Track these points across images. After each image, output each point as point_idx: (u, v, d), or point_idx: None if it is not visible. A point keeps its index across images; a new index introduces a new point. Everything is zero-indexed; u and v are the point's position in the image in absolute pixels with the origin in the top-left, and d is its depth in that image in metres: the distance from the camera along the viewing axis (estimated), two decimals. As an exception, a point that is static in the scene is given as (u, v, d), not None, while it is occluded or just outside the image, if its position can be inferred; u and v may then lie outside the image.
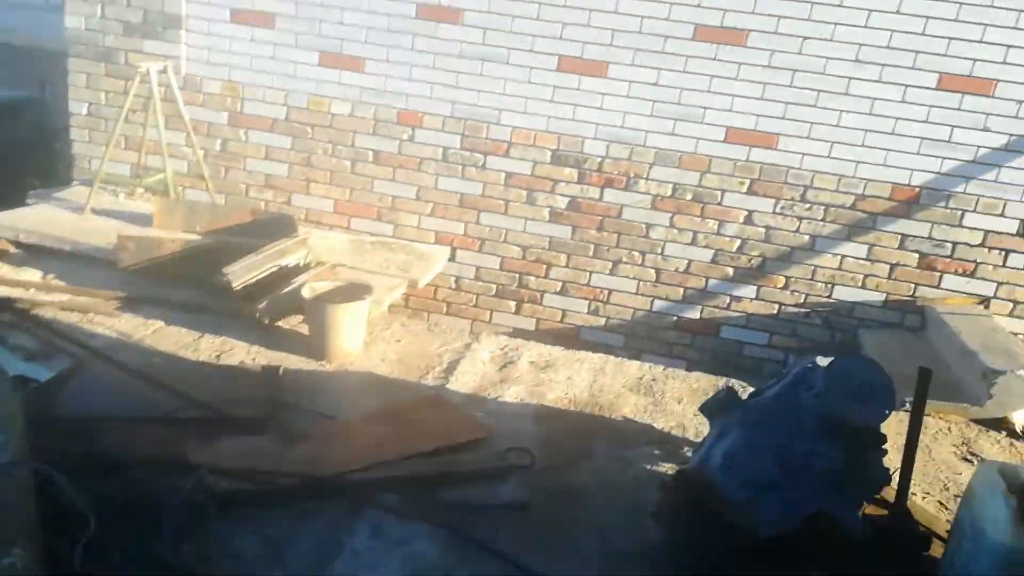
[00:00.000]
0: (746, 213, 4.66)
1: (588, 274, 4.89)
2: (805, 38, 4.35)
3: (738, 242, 4.71)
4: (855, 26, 4.31)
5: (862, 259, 4.64)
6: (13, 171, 5.47)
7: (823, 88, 4.42)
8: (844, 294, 4.71)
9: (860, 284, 4.69)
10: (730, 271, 4.77)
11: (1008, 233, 4.49)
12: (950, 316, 4.42)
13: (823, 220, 4.61)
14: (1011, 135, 4.37)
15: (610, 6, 4.45)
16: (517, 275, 4.96)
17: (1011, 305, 4.61)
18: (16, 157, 5.77)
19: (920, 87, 4.37)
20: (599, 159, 4.68)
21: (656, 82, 4.53)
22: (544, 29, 4.53)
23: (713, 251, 4.75)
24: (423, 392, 3.38)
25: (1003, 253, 4.53)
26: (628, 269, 4.85)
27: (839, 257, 4.66)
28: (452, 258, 4.97)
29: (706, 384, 3.86)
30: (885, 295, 4.69)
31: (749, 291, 4.78)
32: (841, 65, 4.37)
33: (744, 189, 4.62)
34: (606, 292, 4.91)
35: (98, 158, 5.02)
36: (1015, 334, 4.52)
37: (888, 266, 4.64)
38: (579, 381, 3.69)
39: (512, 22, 4.56)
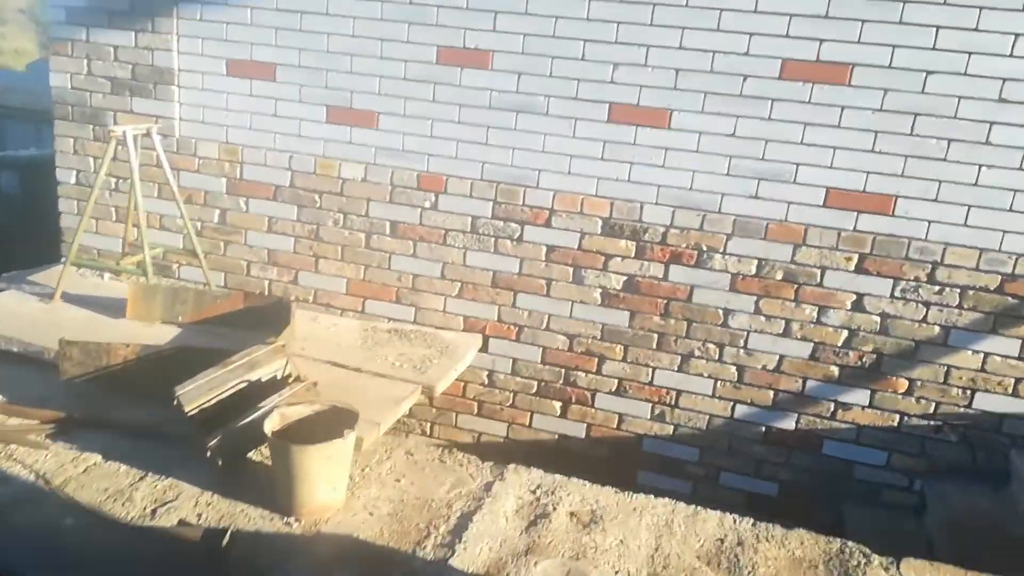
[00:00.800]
0: (855, 297, 3.59)
1: (651, 370, 3.89)
2: (929, 72, 3.29)
3: (845, 334, 3.63)
4: (996, 55, 3.23)
5: (1013, 358, 3.48)
6: (42, 231, 4.92)
7: (955, 136, 3.33)
8: (989, 403, 3.55)
9: (1011, 391, 3.52)
10: (835, 370, 3.68)
11: None
12: None
13: (959, 307, 3.49)
14: None
15: (673, 40, 3.50)
16: (563, 370, 4.00)
17: None
18: (47, 217, 5.24)
19: (1093, 132, 3.26)
20: (662, 229, 3.71)
21: (733, 133, 3.53)
22: (591, 71, 3.61)
23: (812, 344, 3.68)
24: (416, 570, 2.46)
25: None
26: (702, 365, 3.83)
27: (982, 355, 3.51)
28: (484, 348, 4.05)
29: (814, 551, 2.77)
30: (1038, 404, 3.53)
31: (861, 397, 3.68)
32: (979, 106, 3.28)
33: (852, 267, 3.56)
34: (673, 393, 3.89)
35: (89, 232, 4.39)
36: None
37: (1052, 368, 3.49)
38: (636, 548, 2.65)
39: (551, 64, 3.67)
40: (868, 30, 3.30)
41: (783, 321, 3.68)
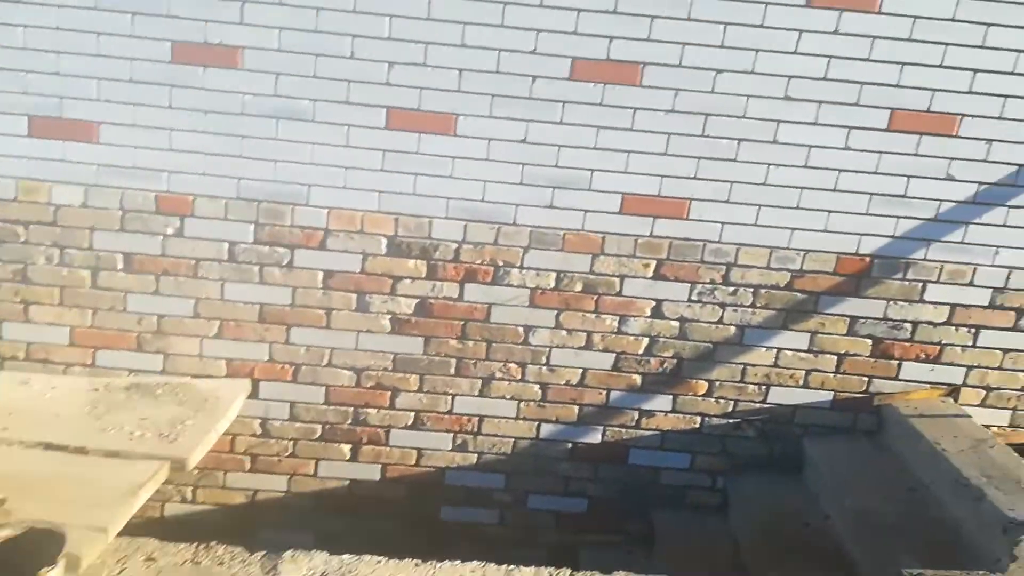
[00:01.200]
0: (654, 304, 3.40)
1: (450, 398, 3.50)
2: (719, 71, 3.11)
3: (646, 341, 3.45)
4: (783, 52, 3.10)
5: (803, 351, 3.50)
6: None
7: (745, 136, 3.19)
8: (782, 396, 3.55)
9: (802, 382, 3.54)
10: (637, 379, 3.50)
11: (978, 305, 3.46)
12: (920, 420, 3.34)
13: (752, 306, 3.42)
14: (980, 183, 3.32)
15: (454, 37, 3.01)
16: (351, 409, 3.48)
17: (983, 393, 3.59)
18: None
19: (867, 128, 3.22)
20: (455, 245, 3.27)
21: (525, 138, 3.14)
22: (364, 72, 3.04)
23: (614, 355, 3.46)
24: None
25: (973, 331, 3.50)
26: (504, 387, 3.49)
27: (774, 351, 3.49)
28: (254, 394, 3.41)
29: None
30: (833, 394, 3.56)
31: (663, 403, 3.54)
32: (766, 104, 3.15)
33: (650, 273, 3.35)
34: (476, 420, 3.53)
35: None
36: (997, 432, 3.54)
37: (835, 357, 3.52)
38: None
39: (316, 63, 3.04)
40: (658, 27, 3.02)
41: (584, 334, 3.42)
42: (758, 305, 3.40)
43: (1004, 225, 3.35)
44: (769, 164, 3.23)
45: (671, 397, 3.52)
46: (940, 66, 3.16)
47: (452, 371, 3.43)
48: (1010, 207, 3.33)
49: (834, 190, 3.28)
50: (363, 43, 3.02)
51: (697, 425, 3.57)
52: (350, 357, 3.39)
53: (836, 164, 3.25)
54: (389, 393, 3.45)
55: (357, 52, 3.02)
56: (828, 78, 3.15)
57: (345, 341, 3.36)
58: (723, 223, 3.30)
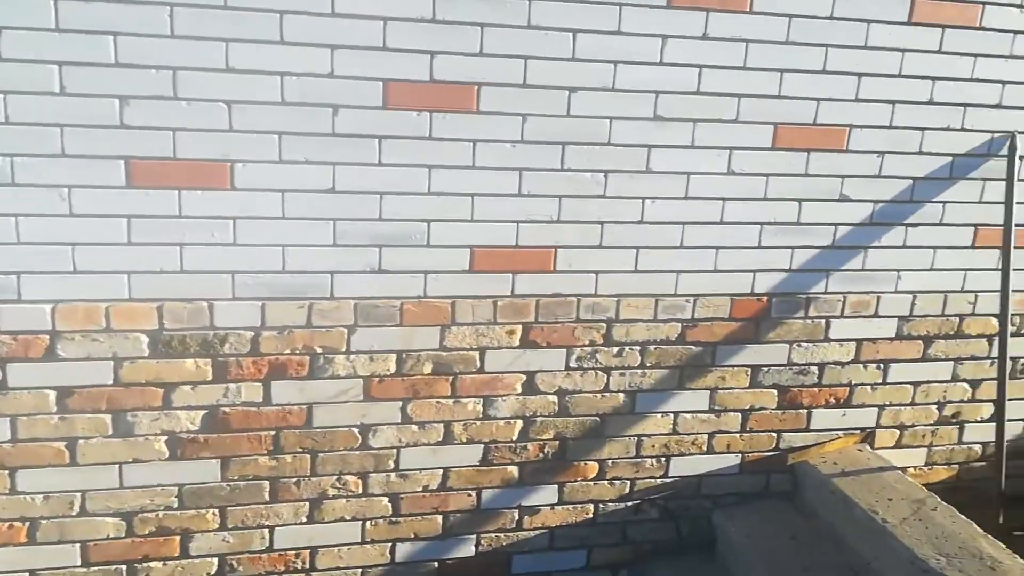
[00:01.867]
0: (525, 378, 2.68)
1: (267, 532, 2.61)
2: (572, 89, 2.45)
3: (519, 424, 2.72)
4: (646, 63, 2.48)
5: (704, 412, 2.88)
6: None
7: (613, 166, 2.53)
8: (685, 466, 2.92)
9: (705, 448, 2.92)
10: (514, 471, 2.76)
11: (885, 338, 2.96)
12: (845, 481, 2.78)
13: (642, 367, 2.76)
14: (875, 202, 2.83)
15: (215, 59, 2.16)
16: (123, 567, 2.52)
17: (897, 433, 3.10)
18: None
19: (751, 148, 2.65)
20: (250, 333, 2.39)
21: (333, 187, 2.34)
22: (83, 112, 2.13)
23: (482, 446, 2.71)
24: None
25: (881, 367, 3.00)
26: (341, 506, 2.64)
27: (672, 416, 2.85)
28: (-15, 569, 2.42)
29: None
30: (741, 456, 2.97)
31: (548, 495, 2.82)
32: (634, 127, 2.51)
33: (516, 341, 2.63)
34: (306, 554, 2.65)
35: None
36: (914, 474, 3.05)
37: (740, 414, 2.92)
38: None
39: (4, 103, 2.12)
40: (491, 38, 2.30)
41: (442, 425, 2.64)
42: (648, 365, 2.75)
43: (904, 246, 2.88)
44: (644, 198, 2.59)
45: (557, 487, 2.80)
46: (823, 71, 2.64)
47: (266, 496, 2.55)
48: (908, 225, 2.86)
49: (720, 222, 2.68)
50: (76, 73, 2.11)
51: (591, 515, 2.86)
52: (113, 499, 2.43)
53: (720, 192, 2.65)
54: (178, 538, 2.52)
55: (68, 86, 2.10)
56: (702, 91, 2.55)
57: (104, 478, 2.40)
58: (598, 272, 2.62)
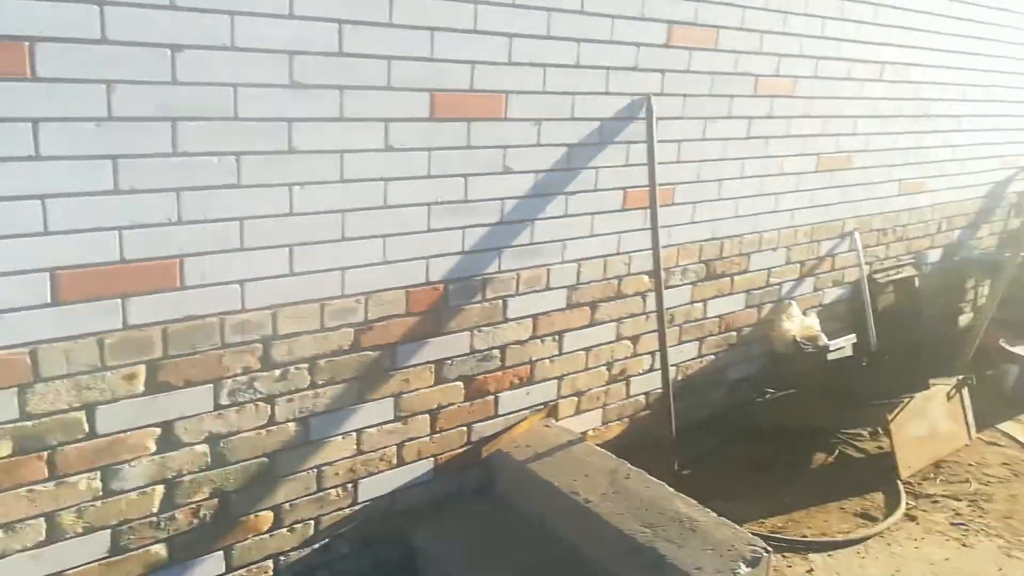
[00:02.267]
0: (159, 431, 2.02)
1: None
2: (177, 47, 1.80)
3: (160, 491, 2.06)
4: (274, 16, 1.95)
5: (390, 423, 2.50)
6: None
7: (245, 146, 1.97)
8: (376, 487, 2.52)
9: (396, 461, 2.56)
10: (161, 551, 2.10)
11: (557, 309, 2.89)
12: (539, 464, 2.64)
13: (313, 388, 2.27)
14: (536, 172, 2.68)
15: None
16: None
17: (576, 400, 3.10)
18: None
19: (408, 120, 2.29)
20: None
21: None
22: None
23: (108, 532, 2.01)
24: None
25: (557, 338, 2.92)
26: None
27: (354, 435, 2.42)
28: None
29: None
30: (433, 460, 2.67)
31: (211, 566, 2.21)
32: (268, 97, 1.98)
33: (140, 386, 1.95)
34: None
35: None
36: (593, 435, 3.05)
37: (428, 416, 2.60)
38: None
39: None
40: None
41: (42, 520, 1.88)
42: (321, 383, 2.27)
43: (566, 215, 2.78)
44: (291, 184, 2.07)
45: (223, 552, 2.21)
46: (474, 31, 2.36)
47: None
48: (568, 194, 2.77)
49: (385, 206, 2.29)
50: None
51: (271, 573, 2.34)
52: None
53: (380, 172, 2.25)
54: None
55: None
56: (346, 53, 2.09)
57: None
58: (243, 281, 2.05)
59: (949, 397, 3.63)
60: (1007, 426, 3.90)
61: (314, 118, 2.07)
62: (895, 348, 4.06)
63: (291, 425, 2.25)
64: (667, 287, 3.18)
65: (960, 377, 3.73)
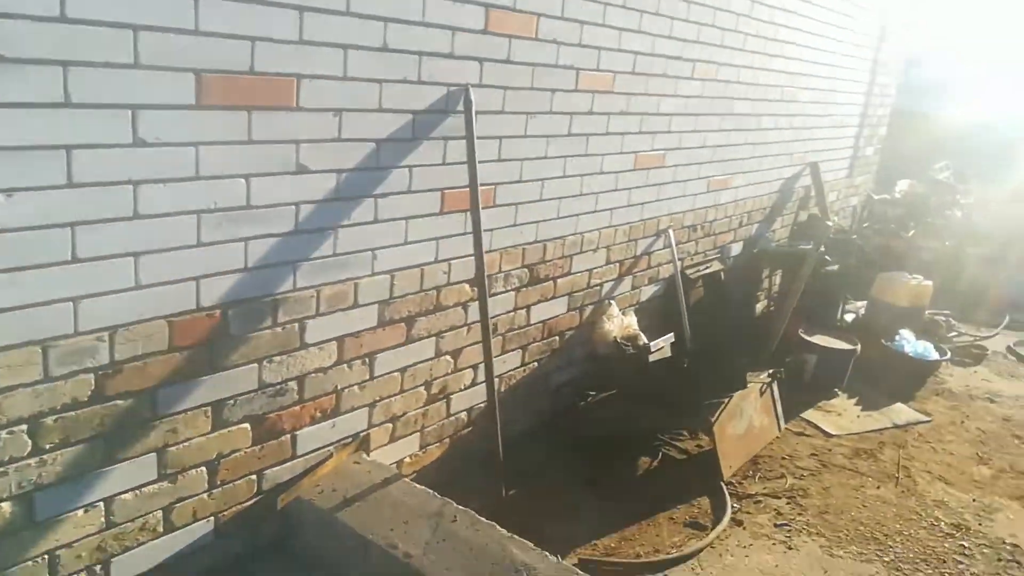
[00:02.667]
0: None
1: None
2: None
3: None
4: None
5: (151, 484, 1.97)
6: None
7: None
8: (136, 563, 1.96)
9: (162, 528, 2.03)
10: None
11: (368, 328, 2.48)
12: (350, 513, 2.23)
13: (37, 455, 1.69)
14: (339, 171, 2.25)
15: None
16: None
17: (391, 427, 2.71)
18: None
19: (167, 107, 1.77)
20: None
21: None
22: None
23: None
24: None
25: (367, 361, 2.52)
26: None
27: (101, 506, 1.87)
28: None
29: None
30: (214, 519, 2.18)
31: None
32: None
33: None
34: None
35: None
36: (410, 461, 2.69)
37: (205, 469, 2.10)
38: None
39: None
40: None
41: None
42: (48, 448, 1.71)
43: (376, 221, 2.38)
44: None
45: None
46: (253, 0, 1.89)
47: None
48: (377, 197, 2.37)
49: (135, 216, 1.76)
50: None
51: None
52: None
53: (127, 172, 1.71)
54: None
55: None
56: (69, 18, 1.55)
57: None
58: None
59: (761, 392, 3.68)
60: (810, 415, 4.05)
61: (22, 103, 1.51)
62: (709, 344, 4.09)
63: (6, 505, 1.68)
64: (491, 295, 2.89)
65: (771, 371, 3.80)
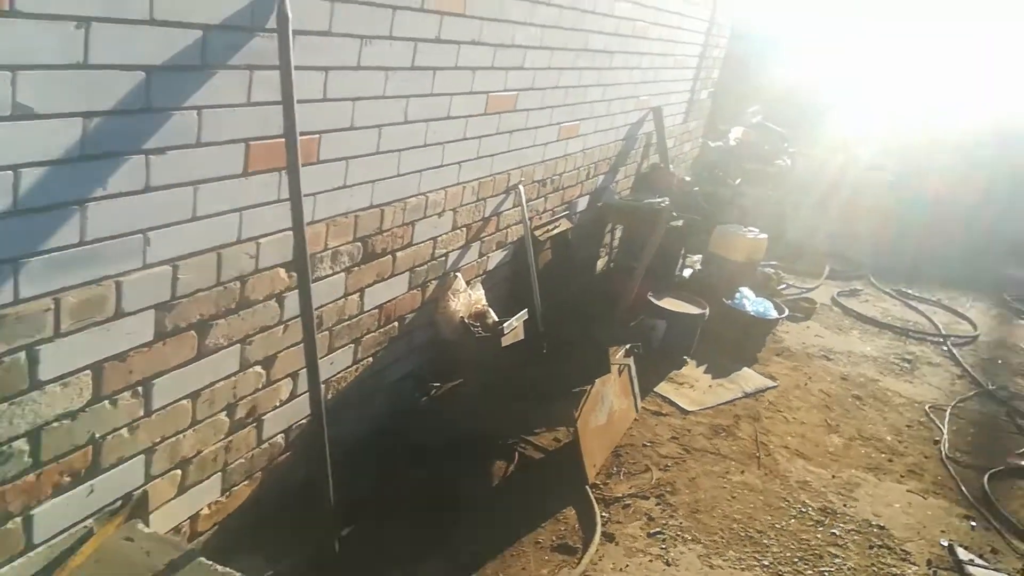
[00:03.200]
0: None
1: None
2: None
3: None
4: None
5: None
6: None
7: None
8: None
9: None
10: None
11: (139, 346, 1.75)
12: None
13: None
14: (87, 114, 1.50)
15: None
16: None
17: (179, 474, 2.02)
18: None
19: None
20: None
21: None
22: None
23: None
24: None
25: (141, 390, 1.80)
26: None
27: None
28: None
29: None
30: None
31: None
32: None
33: None
34: None
35: None
36: (210, 512, 2.05)
37: None
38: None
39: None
40: None
41: None
42: None
43: (148, 189, 1.66)
44: None
45: None
46: None
47: None
48: (149, 153, 1.65)
49: None
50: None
51: None
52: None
53: None
54: None
55: None
56: None
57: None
58: None
59: (620, 371, 3.42)
60: (664, 388, 3.89)
61: None
62: (565, 320, 3.77)
63: None
64: (314, 280, 2.27)
65: (628, 346, 3.55)
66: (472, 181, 3.16)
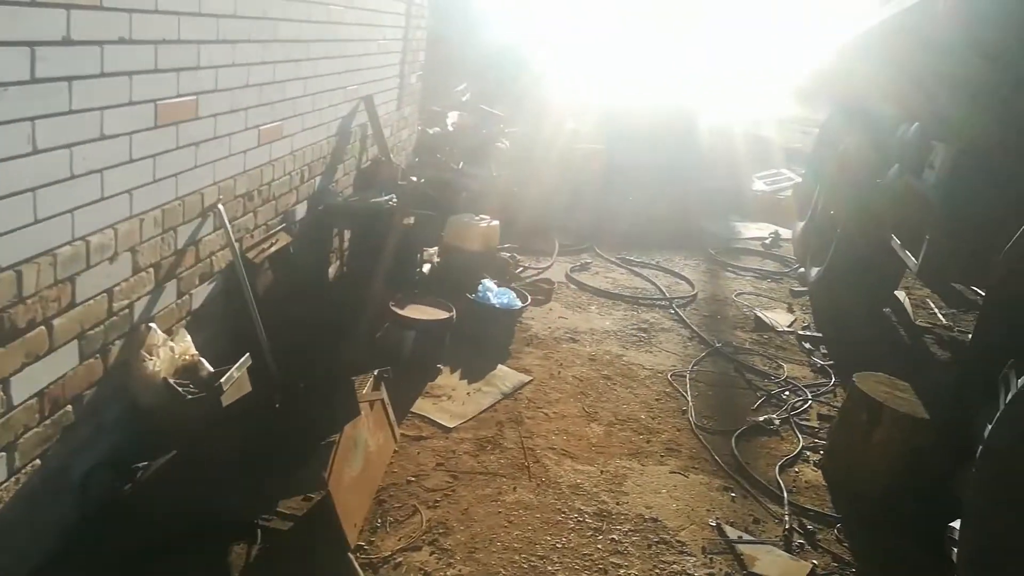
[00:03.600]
0: None
1: None
2: None
3: None
4: None
5: None
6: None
7: None
8: None
9: None
10: None
11: None
12: None
13: None
14: None
15: None
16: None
17: None
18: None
19: None
20: None
21: None
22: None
23: None
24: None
25: None
26: None
27: None
28: None
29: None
30: None
31: None
32: None
33: None
34: None
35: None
36: None
37: None
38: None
39: None
40: None
41: None
42: None
43: None
44: None
45: None
46: None
47: None
48: None
49: None
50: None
51: None
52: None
53: None
54: None
55: None
56: None
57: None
58: None
59: (372, 405, 3.05)
60: (421, 406, 3.59)
61: None
62: (298, 355, 3.30)
63: None
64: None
65: (376, 372, 3.19)
66: (152, 210, 2.57)
